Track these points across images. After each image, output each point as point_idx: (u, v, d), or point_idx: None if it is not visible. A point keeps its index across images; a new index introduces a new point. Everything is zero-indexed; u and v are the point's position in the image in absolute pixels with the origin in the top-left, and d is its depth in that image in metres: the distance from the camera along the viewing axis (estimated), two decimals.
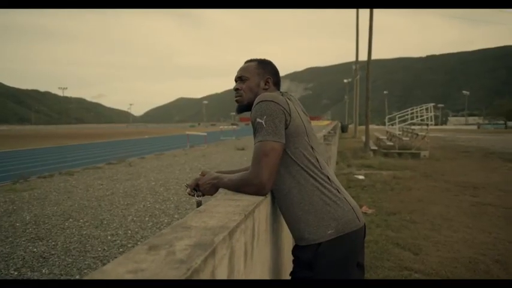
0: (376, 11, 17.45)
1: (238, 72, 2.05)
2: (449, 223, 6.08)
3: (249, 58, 2.12)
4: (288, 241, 2.42)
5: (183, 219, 1.22)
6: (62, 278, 4.02)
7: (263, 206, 1.69)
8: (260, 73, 2.01)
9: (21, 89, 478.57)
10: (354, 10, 33.93)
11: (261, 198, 1.67)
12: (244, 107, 2.02)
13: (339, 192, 1.78)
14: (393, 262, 4.40)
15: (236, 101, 2.04)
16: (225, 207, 1.45)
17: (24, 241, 5.22)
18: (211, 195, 1.96)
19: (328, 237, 1.69)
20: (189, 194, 2.04)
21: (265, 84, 2.00)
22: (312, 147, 1.81)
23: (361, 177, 10.50)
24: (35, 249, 4.86)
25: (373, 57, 18.01)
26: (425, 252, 4.76)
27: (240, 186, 1.74)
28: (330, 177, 1.80)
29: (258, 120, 1.71)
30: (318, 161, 1.79)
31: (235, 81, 2.07)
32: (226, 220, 1.24)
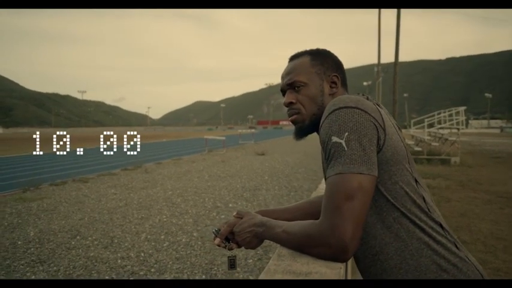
0: (393, 12, 16.75)
1: (285, 77, 1.32)
2: (504, 243, 5.31)
3: (291, 55, 1.36)
4: None
5: None
6: None
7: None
8: (320, 71, 1.29)
9: (42, 93, 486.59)
10: (372, 12, 33.15)
11: (338, 267, 1.00)
12: (307, 128, 1.31)
13: (458, 248, 1.09)
14: None
15: (292, 121, 1.32)
16: None
17: (23, 265, 4.60)
18: (253, 248, 1.28)
19: None
20: (218, 246, 1.37)
21: (332, 87, 1.29)
22: (416, 180, 1.12)
23: None
24: (32, 277, 4.22)
25: (393, 59, 17.15)
26: None
27: (304, 245, 1.06)
28: (443, 225, 1.11)
29: (335, 139, 1.04)
30: (424, 200, 1.11)
31: (282, 91, 1.34)
32: None
